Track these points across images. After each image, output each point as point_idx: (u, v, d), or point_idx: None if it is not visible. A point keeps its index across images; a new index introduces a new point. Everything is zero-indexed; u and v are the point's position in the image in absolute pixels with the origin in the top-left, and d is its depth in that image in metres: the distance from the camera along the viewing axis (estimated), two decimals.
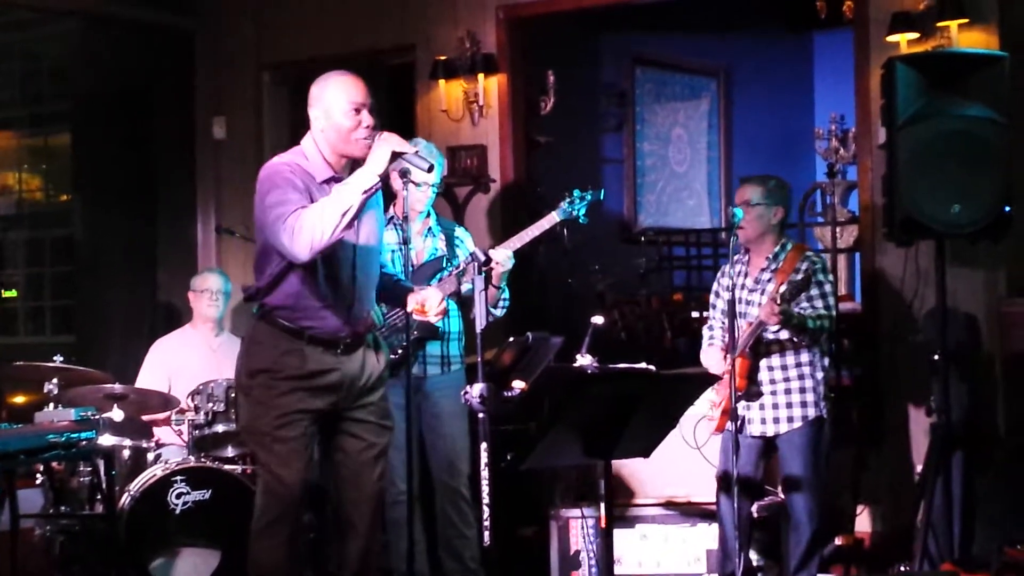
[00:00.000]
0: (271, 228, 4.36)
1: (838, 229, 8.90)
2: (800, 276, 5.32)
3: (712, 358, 5.64)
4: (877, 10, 6.41)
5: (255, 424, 4.58)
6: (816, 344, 5.51)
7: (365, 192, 4.29)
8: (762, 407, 5.54)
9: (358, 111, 4.43)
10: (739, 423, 5.49)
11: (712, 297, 5.87)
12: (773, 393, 5.52)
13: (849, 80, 6.66)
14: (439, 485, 5.61)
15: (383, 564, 5.12)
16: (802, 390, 5.51)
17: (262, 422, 4.54)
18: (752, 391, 5.49)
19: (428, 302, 4.66)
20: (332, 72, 4.56)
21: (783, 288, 5.25)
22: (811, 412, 5.51)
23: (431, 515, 5.65)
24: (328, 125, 4.47)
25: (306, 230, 4.26)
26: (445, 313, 4.75)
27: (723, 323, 5.71)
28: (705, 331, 5.87)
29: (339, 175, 4.50)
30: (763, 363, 5.52)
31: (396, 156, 4.33)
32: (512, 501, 5.83)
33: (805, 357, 5.52)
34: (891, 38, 6.28)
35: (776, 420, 5.53)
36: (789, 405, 5.52)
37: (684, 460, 5.84)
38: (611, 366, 5.79)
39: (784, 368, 5.53)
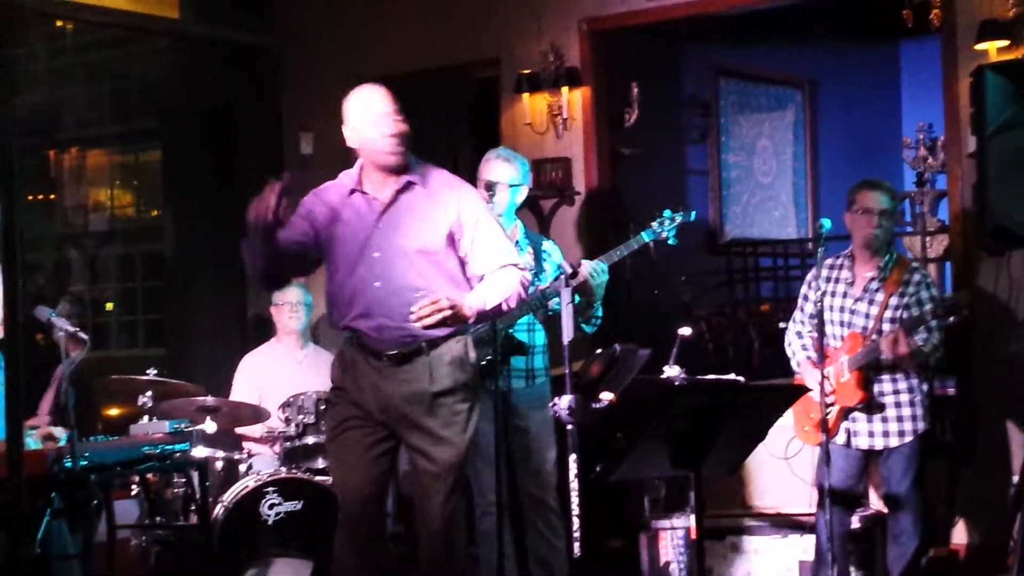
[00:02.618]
0: None
1: (928, 239, 8.82)
2: (923, 308, 5.28)
3: (815, 377, 5.52)
4: (965, 18, 6.34)
5: (326, 438, 4.72)
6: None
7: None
8: (870, 420, 5.46)
9: (382, 118, 4.47)
10: (846, 438, 5.45)
11: (801, 300, 5.76)
12: (883, 407, 5.47)
13: (937, 88, 6.59)
14: (527, 497, 5.60)
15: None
16: (912, 403, 5.45)
17: (327, 432, 4.71)
18: (873, 403, 5.43)
19: (419, 309, 4.27)
20: (357, 88, 4.61)
21: (906, 322, 5.23)
22: (920, 425, 5.45)
23: (520, 527, 5.65)
24: (359, 140, 4.54)
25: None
26: (454, 319, 4.31)
27: (812, 328, 5.66)
28: (793, 337, 5.73)
29: (361, 188, 4.56)
30: (872, 375, 5.46)
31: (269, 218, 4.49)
32: (601, 512, 5.84)
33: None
34: (980, 46, 6.21)
35: (886, 434, 5.45)
36: (900, 419, 5.44)
37: (775, 471, 5.81)
38: (699, 377, 5.78)
39: (894, 380, 5.45)
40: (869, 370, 5.41)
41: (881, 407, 5.44)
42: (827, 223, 5.35)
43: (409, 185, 4.53)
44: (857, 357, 5.37)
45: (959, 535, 6.25)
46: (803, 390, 5.01)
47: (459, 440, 4.52)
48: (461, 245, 4.54)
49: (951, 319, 5.23)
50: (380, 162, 4.52)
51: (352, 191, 4.57)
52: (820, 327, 5.21)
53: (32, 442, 4.95)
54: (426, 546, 4.56)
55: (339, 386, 4.58)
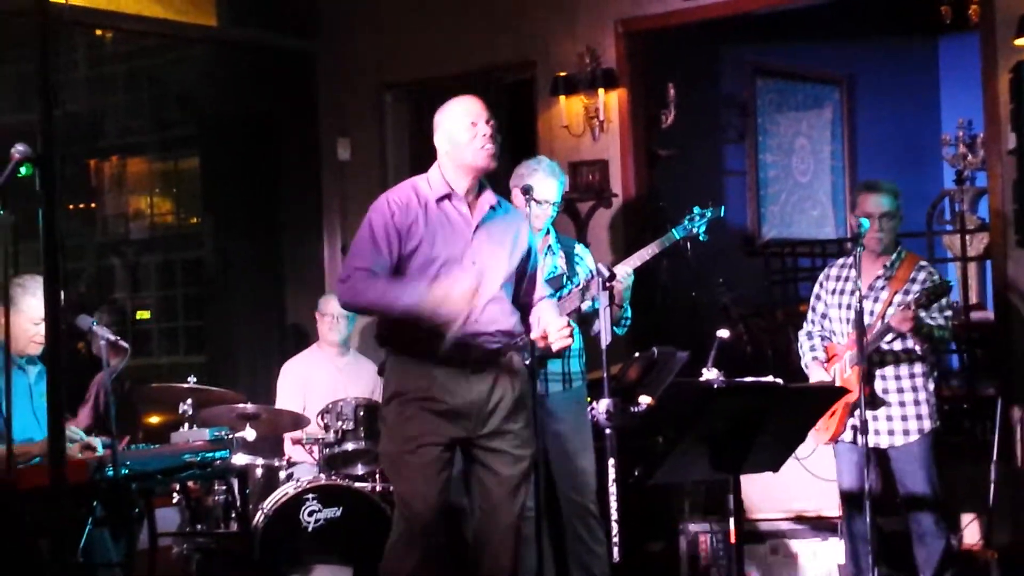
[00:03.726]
0: (344, 263, 4.62)
1: (968, 237, 8.76)
2: (931, 285, 5.26)
3: (819, 376, 5.55)
4: (1004, 13, 6.28)
5: (387, 449, 4.70)
6: (931, 355, 5.44)
7: (406, 309, 4.43)
8: (875, 418, 5.45)
9: (475, 124, 4.58)
10: (852, 434, 5.43)
11: (813, 300, 5.79)
12: (887, 405, 5.45)
13: (976, 85, 6.54)
14: (566, 501, 5.60)
15: None
16: (916, 402, 5.44)
17: (392, 447, 4.64)
18: (876, 399, 5.41)
19: (549, 330, 4.56)
20: (453, 99, 4.71)
21: (918, 295, 5.19)
22: (927, 425, 5.44)
23: (559, 530, 5.65)
24: (451, 146, 4.62)
25: (348, 289, 4.55)
26: (570, 338, 4.59)
27: (823, 328, 5.66)
28: (803, 338, 5.75)
29: (454, 192, 4.62)
30: (876, 372, 5.45)
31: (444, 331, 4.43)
32: (640, 516, 5.82)
33: (918, 368, 5.46)
34: (1019, 41, 6.15)
35: (891, 432, 5.46)
36: (904, 418, 5.44)
37: (814, 474, 5.78)
38: (738, 380, 5.76)
39: (898, 378, 5.46)
40: (872, 365, 5.39)
41: (883, 403, 5.42)
42: (866, 222, 5.35)
43: (496, 204, 4.70)
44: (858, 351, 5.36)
45: (998, 536, 6.20)
46: (843, 391, 4.99)
47: (533, 440, 4.69)
48: (524, 271, 4.78)
49: (933, 304, 5.22)
50: (475, 166, 4.61)
51: (443, 196, 4.62)
52: (859, 327, 5.19)
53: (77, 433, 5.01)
54: (498, 548, 4.63)
55: (424, 396, 4.54)
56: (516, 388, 4.65)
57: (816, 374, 5.59)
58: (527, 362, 4.89)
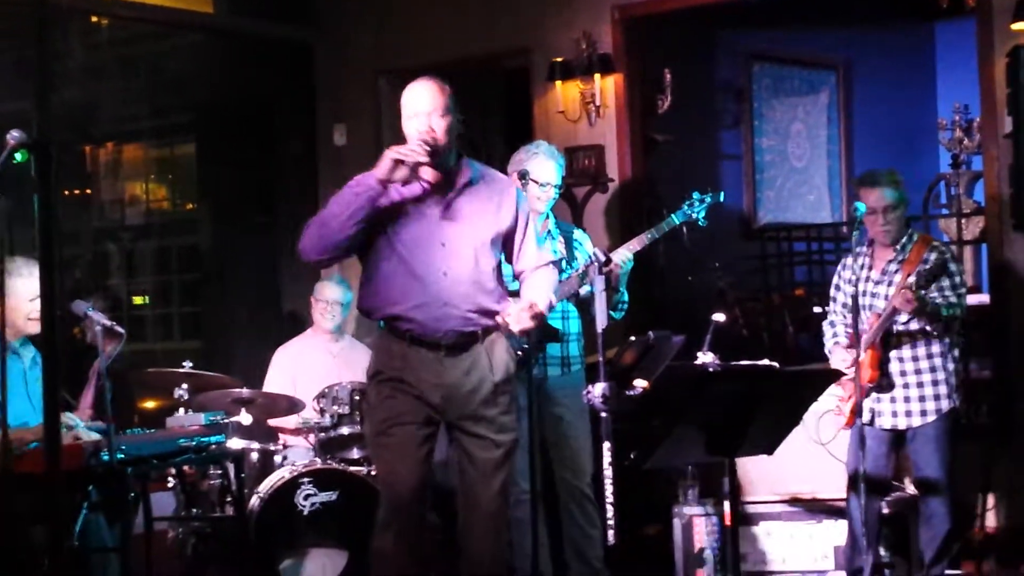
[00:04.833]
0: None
1: (963, 221, 8.75)
2: (931, 264, 5.27)
3: (840, 358, 5.55)
4: None
5: (367, 427, 4.73)
6: (947, 334, 5.43)
7: (358, 195, 4.39)
8: (893, 400, 5.46)
9: (416, 116, 4.51)
10: (870, 417, 5.43)
11: (833, 290, 5.80)
12: (905, 386, 5.45)
13: (972, 69, 6.54)
14: (563, 485, 5.62)
15: (508, 563, 5.15)
16: (935, 382, 5.43)
17: (370, 429, 4.66)
18: (884, 382, 5.42)
19: (509, 313, 4.48)
20: (414, 80, 4.65)
21: (916, 275, 5.20)
22: (944, 405, 5.43)
23: (555, 514, 5.67)
24: (405, 131, 4.58)
25: (306, 235, 4.47)
26: (540, 321, 4.50)
27: (845, 317, 5.66)
28: (826, 327, 5.78)
29: (422, 178, 4.57)
30: (893, 354, 5.45)
31: (399, 163, 4.40)
32: (635, 500, 5.83)
33: (936, 348, 5.44)
34: (1016, 26, 6.15)
35: (908, 413, 5.45)
36: (922, 399, 5.43)
37: (809, 456, 5.80)
38: (733, 363, 5.77)
39: (915, 359, 5.45)
40: (887, 349, 5.39)
41: (892, 386, 5.42)
42: (862, 207, 5.34)
43: (470, 180, 4.60)
44: (872, 333, 5.37)
45: (994, 518, 6.22)
46: (837, 374, 5.00)
47: (515, 426, 4.66)
48: (512, 241, 4.69)
49: (931, 284, 5.24)
50: None
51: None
52: (855, 311, 5.20)
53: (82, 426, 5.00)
54: (479, 533, 4.62)
55: (397, 378, 4.53)
56: (497, 373, 4.59)
57: (837, 356, 5.56)
58: (520, 350, 4.90)
